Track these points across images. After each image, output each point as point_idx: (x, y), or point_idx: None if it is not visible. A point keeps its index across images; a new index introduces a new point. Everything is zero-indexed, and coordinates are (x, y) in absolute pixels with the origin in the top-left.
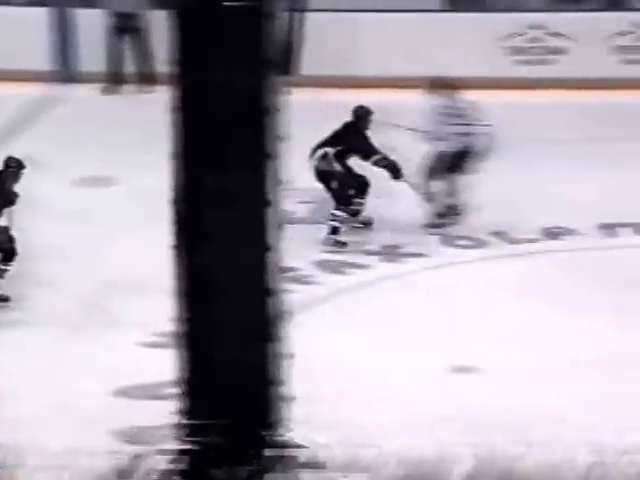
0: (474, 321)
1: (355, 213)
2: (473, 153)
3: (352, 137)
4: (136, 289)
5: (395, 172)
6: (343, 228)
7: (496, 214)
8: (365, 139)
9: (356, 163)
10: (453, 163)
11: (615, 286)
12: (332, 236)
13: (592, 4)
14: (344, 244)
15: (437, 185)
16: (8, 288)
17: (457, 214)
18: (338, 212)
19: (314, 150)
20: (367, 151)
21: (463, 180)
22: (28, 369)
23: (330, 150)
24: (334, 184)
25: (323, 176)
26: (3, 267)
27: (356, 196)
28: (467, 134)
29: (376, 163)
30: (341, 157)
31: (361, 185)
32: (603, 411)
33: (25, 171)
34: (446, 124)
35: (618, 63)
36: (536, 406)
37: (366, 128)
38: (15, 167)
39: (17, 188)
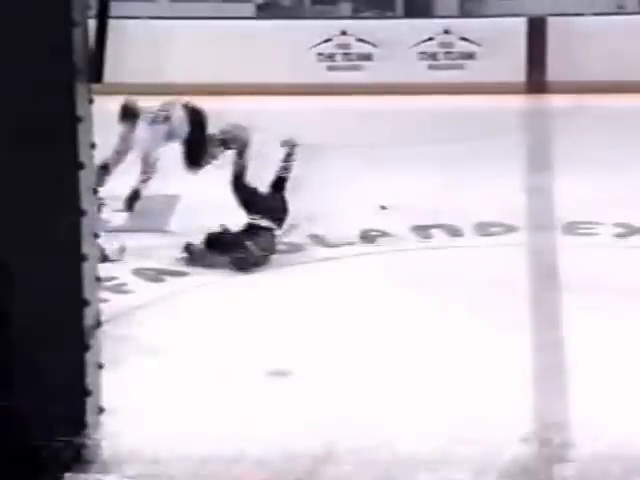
0: (290, 325)
1: None
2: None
3: None
4: None
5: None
6: None
7: (313, 219)
8: None
9: None
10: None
11: (428, 286)
12: None
13: (397, 11)
14: None
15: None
16: None
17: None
18: None
19: None
20: None
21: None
22: None
23: None
24: None
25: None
26: None
27: None
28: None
29: None
30: None
31: None
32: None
33: None
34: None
35: (423, 68)
36: (346, 408)
37: None
38: None
39: None
